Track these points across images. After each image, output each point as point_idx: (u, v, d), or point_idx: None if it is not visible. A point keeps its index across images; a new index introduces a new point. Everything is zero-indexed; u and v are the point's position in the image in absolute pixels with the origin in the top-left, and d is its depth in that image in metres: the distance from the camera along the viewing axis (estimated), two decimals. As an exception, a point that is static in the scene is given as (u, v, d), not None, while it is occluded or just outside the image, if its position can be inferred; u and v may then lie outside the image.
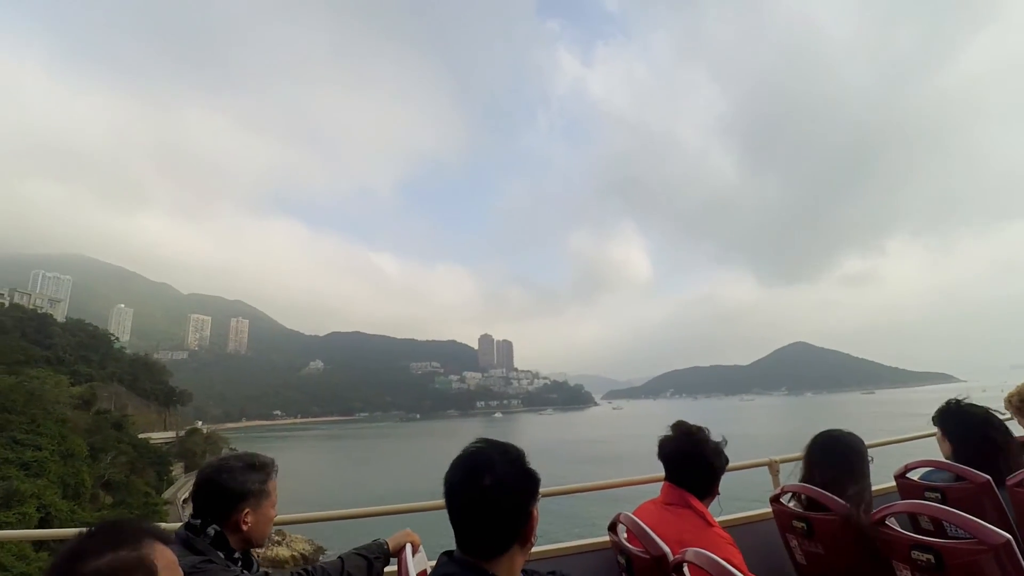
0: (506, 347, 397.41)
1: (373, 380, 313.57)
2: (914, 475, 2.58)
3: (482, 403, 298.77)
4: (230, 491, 1.74)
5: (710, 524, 1.95)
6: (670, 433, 2.20)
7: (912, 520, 1.98)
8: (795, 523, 2.23)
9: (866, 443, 2.31)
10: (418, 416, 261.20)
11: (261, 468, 1.85)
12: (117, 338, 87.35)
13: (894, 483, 2.67)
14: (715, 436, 2.13)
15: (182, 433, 66.08)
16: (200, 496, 1.76)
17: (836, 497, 2.05)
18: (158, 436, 59.71)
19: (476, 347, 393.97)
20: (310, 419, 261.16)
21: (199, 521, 1.70)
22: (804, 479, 2.29)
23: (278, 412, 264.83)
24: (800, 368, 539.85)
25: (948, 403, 2.58)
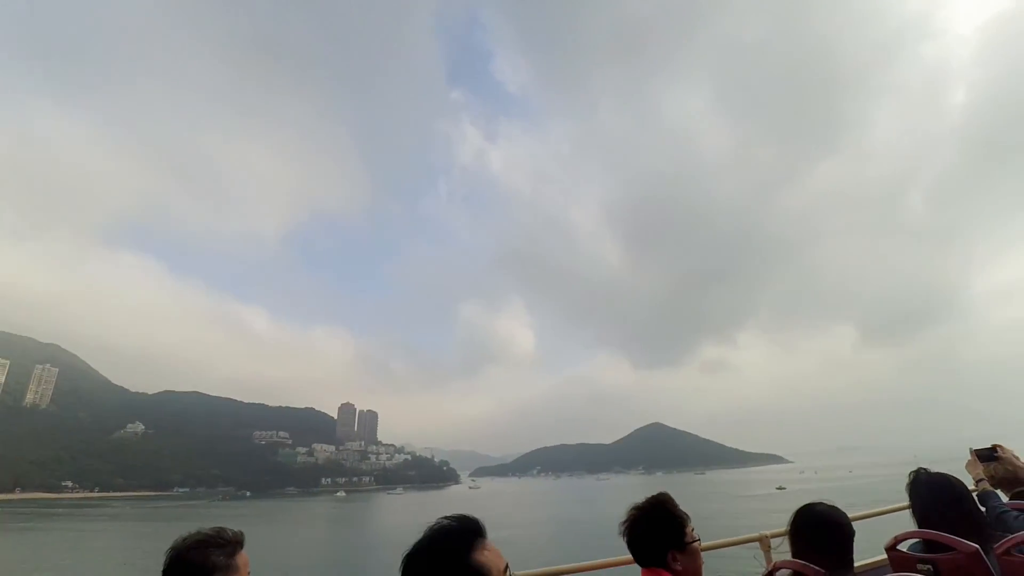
0: (369, 418, 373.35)
1: (204, 449, 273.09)
2: (903, 547, 2.53)
3: (328, 480, 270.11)
4: (194, 567, 1.72)
5: None
6: (634, 509, 2.18)
7: None
8: None
9: (849, 516, 2.32)
10: (248, 494, 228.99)
11: (227, 541, 1.82)
12: None
13: (885, 555, 2.61)
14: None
15: None
16: (169, 573, 1.73)
17: (828, 571, 2.02)
18: None
19: (336, 417, 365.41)
20: (111, 493, 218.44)
21: None
22: (793, 555, 2.26)
23: (68, 483, 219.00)
24: (655, 448, 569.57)
25: (915, 473, 2.63)
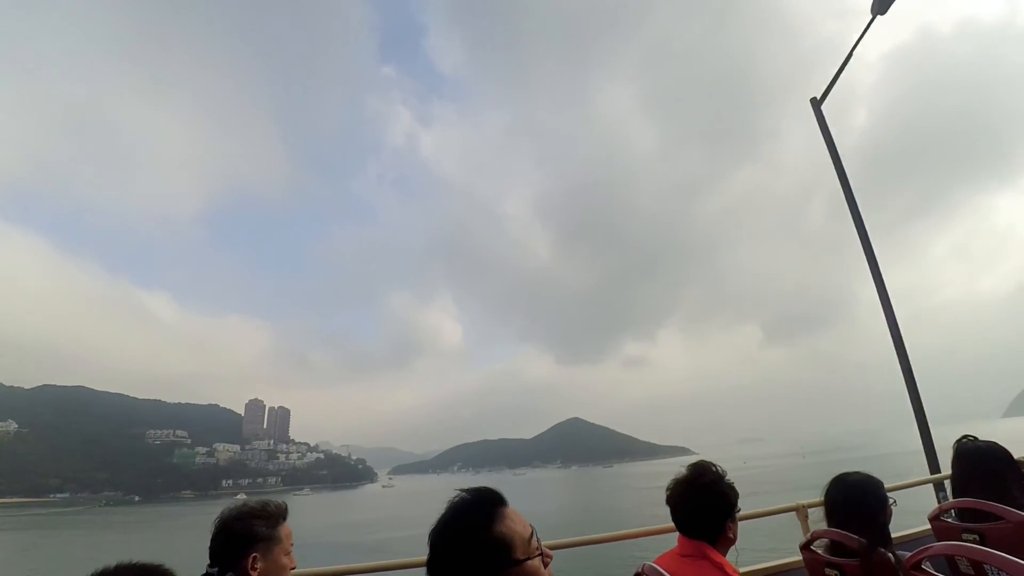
0: (281, 415, 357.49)
1: (89, 450, 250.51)
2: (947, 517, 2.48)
3: (229, 482, 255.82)
4: (237, 537, 1.79)
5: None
6: (682, 474, 2.13)
7: (950, 563, 1.88)
8: (827, 570, 2.16)
9: (885, 485, 2.31)
10: (136, 499, 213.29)
11: (271, 514, 1.89)
12: None
13: (928, 525, 2.59)
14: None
15: None
16: (213, 543, 1.80)
17: (867, 541, 2.00)
18: None
19: (243, 414, 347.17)
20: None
21: (216, 569, 1.72)
22: (829, 525, 2.25)
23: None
24: (573, 442, 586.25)
25: (960, 440, 2.54)
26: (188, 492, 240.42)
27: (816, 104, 6.32)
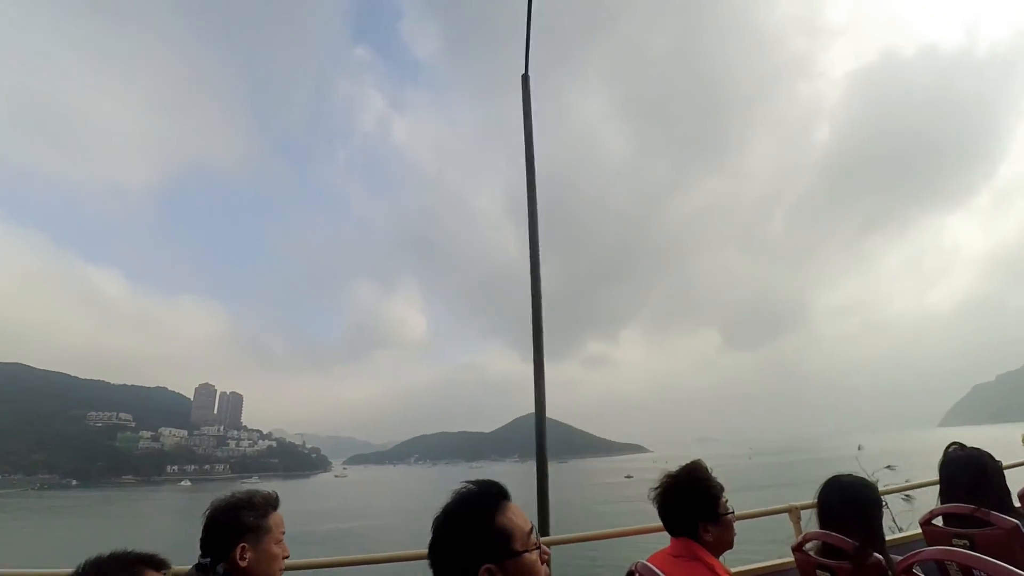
0: (233, 401, 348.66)
1: (25, 431, 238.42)
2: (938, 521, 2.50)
3: (174, 468, 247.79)
4: (224, 527, 1.78)
5: None
6: (667, 477, 2.12)
7: (940, 568, 1.89)
8: (819, 572, 2.17)
9: (879, 490, 2.29)
10: (74, 483, 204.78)
11: (258, 503, 1.88)
12: None
13: (920, 530, 2.60)
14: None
15: None
16: (204, 534, 1.80)
17: (859, 544, 2.00)
18: None
19: (192, 398, 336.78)
20: None
21: (208, 560, 1.73)
22: (821, 527, 2.24)
23: None
24: (532, 437, 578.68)
25: (948, 448, 2.55)
26: (130, 477, 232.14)
27: (525, 79, 6.52)
